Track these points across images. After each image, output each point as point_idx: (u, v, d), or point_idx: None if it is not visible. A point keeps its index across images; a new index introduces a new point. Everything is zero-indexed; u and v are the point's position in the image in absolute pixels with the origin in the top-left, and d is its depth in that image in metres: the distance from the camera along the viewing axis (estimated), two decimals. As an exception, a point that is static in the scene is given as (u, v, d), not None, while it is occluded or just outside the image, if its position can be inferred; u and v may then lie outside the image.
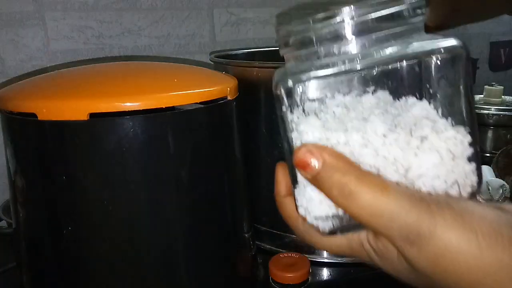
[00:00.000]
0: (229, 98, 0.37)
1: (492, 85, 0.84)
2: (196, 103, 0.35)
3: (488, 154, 0.87)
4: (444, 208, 0.19)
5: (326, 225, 0.22)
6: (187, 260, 0.36)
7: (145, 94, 0.32)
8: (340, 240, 0.23)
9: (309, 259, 0.42)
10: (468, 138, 0.20)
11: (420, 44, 0.20)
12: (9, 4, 0.62)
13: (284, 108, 0.21)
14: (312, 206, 0.21)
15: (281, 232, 0.48)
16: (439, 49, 0.20)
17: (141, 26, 0.72)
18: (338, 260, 0.46)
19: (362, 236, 0.22)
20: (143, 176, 0.33)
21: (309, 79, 0.21)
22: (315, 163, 0.20)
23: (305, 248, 0.47)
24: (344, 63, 0.20)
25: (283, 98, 0.21)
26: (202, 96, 0.35)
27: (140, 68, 0.42)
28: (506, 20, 1.10)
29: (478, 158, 0.21)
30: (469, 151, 0.20)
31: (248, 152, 0.44)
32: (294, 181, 0.22)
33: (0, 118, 0.36)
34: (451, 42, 0.20)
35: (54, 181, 0.33)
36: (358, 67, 0.20)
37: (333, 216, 0.21)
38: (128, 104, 0.31)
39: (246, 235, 0.42)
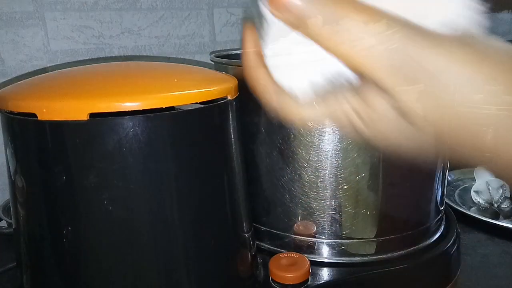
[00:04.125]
0: (229, 98, 0.37)
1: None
2: (196, 103, 0.35)
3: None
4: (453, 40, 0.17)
5: (306, 93, 0.20)
6: (187, 260, 0.36)
7: (145, 94, 0.32)
8: (320, 110, 0.21)
9: (309, 259, 0.42)
10: None
11: None
12: (9, 4, 0.62)
13: None
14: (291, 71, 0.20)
15: (281, 232, 0.48)
16: None
17: (141, 26, 0.72)
18: (338, 260, 0.46)
19: (344, 105, 0.21)
20: (143, 176, 0.33)
21: None
22: None
23: (305, 248, 0.47)
24: None
25: None
26: (202, 96, 0.35)
27: (140, 68, 0.42)
28: (506, 20, 1.10)
29: None
30: None
31: (247, 152, 0.44)
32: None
33: (0, 118, 0.36)
34: None
35: (54, 181, 0.33)
36: None
37: (313, 82, 0.20)
38: (128, 104, 0.31)
39: (246, 235, 0.42)
